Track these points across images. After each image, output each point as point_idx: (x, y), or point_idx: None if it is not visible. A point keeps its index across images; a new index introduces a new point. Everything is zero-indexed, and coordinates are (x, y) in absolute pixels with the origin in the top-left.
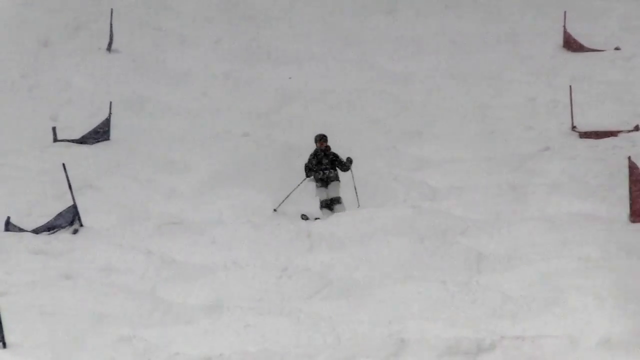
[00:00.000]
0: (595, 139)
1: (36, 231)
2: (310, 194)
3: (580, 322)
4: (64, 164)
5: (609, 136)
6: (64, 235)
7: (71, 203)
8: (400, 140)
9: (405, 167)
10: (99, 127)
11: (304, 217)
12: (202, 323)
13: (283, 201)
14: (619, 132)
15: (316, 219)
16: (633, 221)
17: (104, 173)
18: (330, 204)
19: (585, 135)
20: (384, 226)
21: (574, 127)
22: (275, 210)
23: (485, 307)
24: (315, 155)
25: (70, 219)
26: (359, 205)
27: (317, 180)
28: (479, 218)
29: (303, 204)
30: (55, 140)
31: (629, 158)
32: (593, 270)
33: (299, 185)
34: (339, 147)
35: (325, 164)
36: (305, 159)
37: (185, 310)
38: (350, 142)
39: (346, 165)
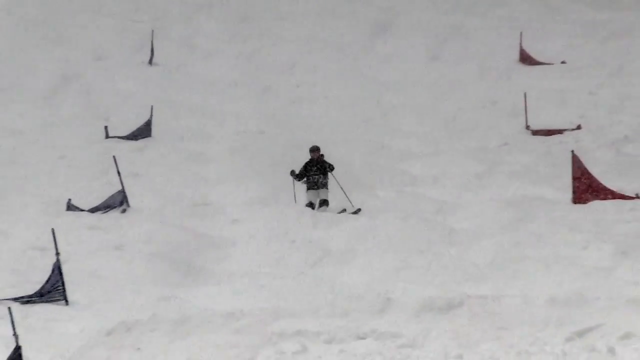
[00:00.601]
0: (545, 136)
1: (92, 211)
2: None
3: (532, 284)
4: (114, 156)
5: (556, 134)
6: (114, 214)
7: (120, 188)
8: (386, 137)
9: (390, 159)
10: (142, 126)
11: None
12: (226, 285)
13: (295, 195)
14: (564, 130)
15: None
16: (575, 202)
17: (146, 164)
18: (313, 206)
19: (537, 133)
20: (374, 207)
21: (527, 127)
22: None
23: (455, 272)
24: (309, 163)
25: (119, 200)
26: (353, 206)
27: (308, 185)
28: (451, 200)
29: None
30: (107, 137)
31: (572, 152)
32: (542, 242)
33: (293, 186)
34: (336, 142)
35: (315, 171)
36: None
37: (212, 274)
38: (345, 138)
39: (331, 167)
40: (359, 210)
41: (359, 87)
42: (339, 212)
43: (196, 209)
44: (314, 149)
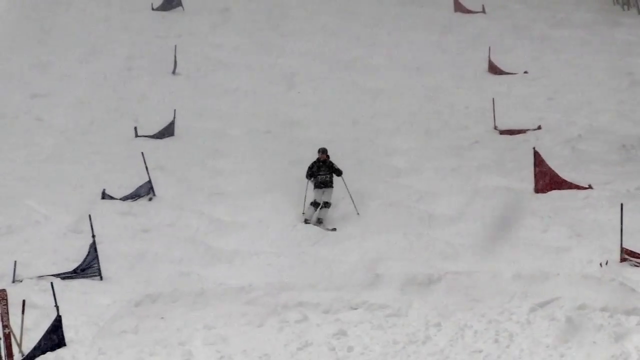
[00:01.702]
0: (510, 135)
1: (123, 199)
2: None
3: (500, 262)
4: (142, 152)
5: (519, 133)
6: (142, 201)
7: (147, 179)
8: (373, 135)
9: (377, 154)
10: (167, 126)
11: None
12: (238, 263)
13: (305, 204)
14: (527, 130)
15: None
16: (536, 192)
17: (170, 158)
18: (318, 205)
19: (503, 132)
20: (364, 195)
21: (495, 127)
22: (303, 213)
23: (434, 251)
24: (316, 163)
25: (147, 190)
26: (358, 213)
27: (316, 183)
28: (430, 190)
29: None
30: (136, 136)
31: (534, 148)
32: (508, 226)
33: (306, 189)
34: (330, 140)
35: (323, 171)
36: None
37: (226, 254)
38: (338, 136)
39: (339, 171)
40: (335, 229)
41: (350, 93)
42: (331, 229)
43: (212, 197)
44: (322, 151)
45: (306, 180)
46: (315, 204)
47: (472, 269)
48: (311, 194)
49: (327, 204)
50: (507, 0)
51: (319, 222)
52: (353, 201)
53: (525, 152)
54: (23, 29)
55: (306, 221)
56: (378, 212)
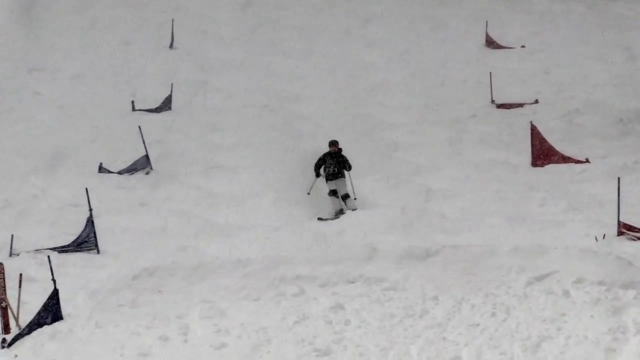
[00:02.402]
0: (507, 109)
1: (120, 173)
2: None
3: (497, 235)
4: (139, 126)
5: (517, 107)
6: (139, 175)
7: (144, 153)
8: (371, 110)
9: (375, 128)
10: (164, 100)
11: (320, 219)
12: (235, 236)
13: (312, 187)
14: (524, 104)
15: (336, 216)
16: (533, 165)
17: (167, 132)
18: (340, 196)
19: (500, 106)
20: (363, 169)
21: (492, 101)
22: (308, 193)
23: (431, 225)
24: (327, 155)
25: (144, 164)
26: (355, 198)
27: (327, 175)
28: (427, 163)
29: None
30: (134, 110)
31: (531, 122)
32: (505, 199)
33: (312, 185)
34: (327, 115)
35: (333, 164)
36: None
37: (224, 228)
38: (336, 111)
39: (349, 166)
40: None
41: (348, 68)
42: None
43: (209, 171)
44: (333, 143)
45: (316, 176)
46: (333, 192)
47: (470, 243)
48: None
49: (347, 196)
50: None
51: (352, 209)
52: (353, 191)
53: (523, 126)
54: (21, 4)
55: (337, 214)
56: (376, 186)
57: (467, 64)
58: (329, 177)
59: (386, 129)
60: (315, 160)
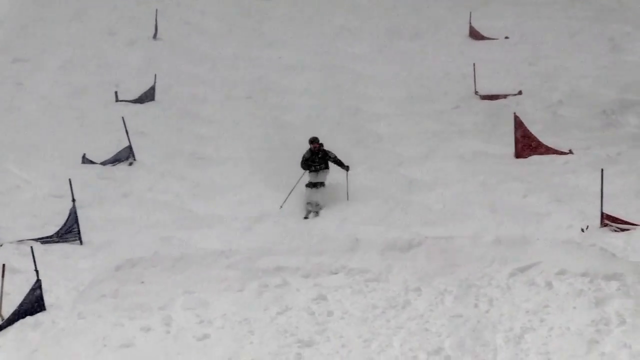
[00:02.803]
0: (491, 100)
1: (103, 163)
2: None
3: (480, 226)
4: (122, 117)
5: (500, 98)
6: (122, 166)
7: (128, 144)
8: (355, 101)
9: (359, 120)
10: (147, 91)
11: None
12: (219, 227)
13: (286, 200)
14: (507, 95)
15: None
16: (517, 157)
17: (151, 123)
18: (313, 185)
19: (484, 97)
20: (346, 160)
21: (476, 92)
22: (281, 207)
23: (414, 216)
24: (310, 152)
25: (127, 155)
26: (348, 199)
27: (310, 172)
28: (411, 155)
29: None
30: (117, 100)
31: (514, 114)
32: (489, 191)
33: (297, 182)
34: (312, 106)
35: (317, 161)
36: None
37: (207, 218)
38: (320, 102)
39: (345, 166)
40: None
41: (332, 59)
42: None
43: (193, 162)
44: (312, 140)
45: (304, 170)
46: (312, 185)
47: (452, 234)
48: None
49: (322, 184)
50: None
51: (318, 207)
52: (348, 192)
53: (506, 117)
54: None
55: (307, 216)
56: (359, 177)
57: (451, 55)
58: (312, 171)
59: (370, 120)
60: (300, 159)
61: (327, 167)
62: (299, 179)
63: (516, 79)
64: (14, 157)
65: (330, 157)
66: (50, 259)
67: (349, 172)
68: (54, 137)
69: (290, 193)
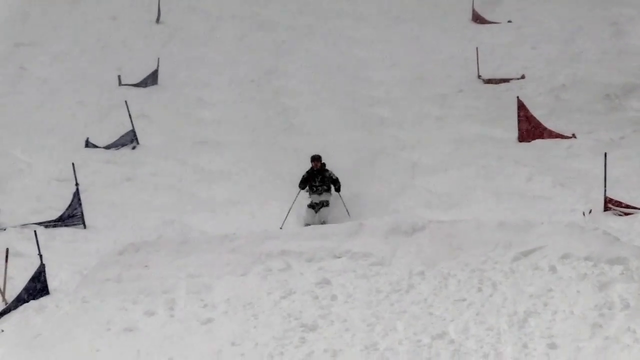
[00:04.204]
0: (494, 84)
1: (107, 147)
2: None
3: (483, 210)
4: (125, 101)
5: (503, 82)
6: (126, 150)
7: (131, 128)
8: (357, 85)
9: (361, 104)
10: (150, 75)
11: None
12: (221, 212)
13: (286, 219)
14: (510, 79)
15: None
16: (520, 141)
17: (153, 107)
18: (316, 206)
19: (487, 81)
20: (348, 143)
21: (479, 76)
22: (280, 228)
23: (418, 200)
24: (310, 173)
25: (130, 139)
26: (349, 215)
27: (311, 192)
28: (414, 139)
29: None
30: (120, 84)
31: (517, 97)
32: (492, 175)
33: (295, 199)
34: (314, 90)
35: (318, 181)
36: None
37: (210, 202)
38: (322, 86)
39: (337, 186)
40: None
41: (334, 44)
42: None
43: (196, 146)
44: (315, 158)
45: (298, 189)
46: (312, 206)
47: (456, 218)
48: (302, 204)
49: (325, 203)
50: None
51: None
52: (346, 207)
53: (509, 101)
54: None
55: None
56: (362, 160)
57: (454, 40)
58: (313, 192)
59: (372, 104)
60: (299, 179)
61: (328, 190)
62: (296, 197)
63: (519, 63)
64: (18, 141)
65: (331, 178)
66: (53, 243)
67: (340, 192)
68: (57, 121)
69: (288, 213)
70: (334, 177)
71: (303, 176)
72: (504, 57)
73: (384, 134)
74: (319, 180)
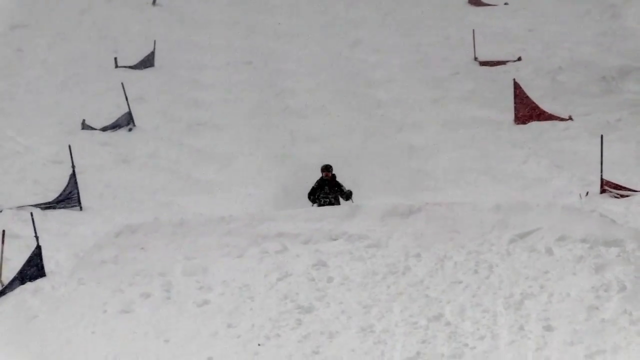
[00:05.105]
0: (491, 66)
1: (103, 129)
2: None
3: (480, 192)
4: (122, 83)
5: (500, 64)
6: (122, 132)
7: (127, 110)
8: (354, 67)
9: (358, 85)
10: (146, 57)
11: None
12: (218, 194)
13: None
14: (507, 61)
15: None
16: (516, 123)
17: (150, 89)
18: None
19: (484, 63)
20: (347, 127)
21: (476, 58)
22: None
23: (414, 182)
24: (320, 183)
25: (127, 121)
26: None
27: (321, 204)
28: (410, 121)
29: None
30: (116, 66)
31: (514, 80)
32: (488, 157)
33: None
34: (310, 72)
35: (328, 193)
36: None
37: (206, 184)
38: (319, 69)
39: (348, 195)
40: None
41: (331, 26)
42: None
43: (192, 128)
44: (326, 168)
45: (309, 202)
46: None
47: (453, 200)
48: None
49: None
50: None
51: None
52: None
53: (506, 84)
54: None
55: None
56: (359, 142)
57: (450, 22)
58: (321, 204)
59: (369, 86)
60: (308, 189)
61: (337, 201)
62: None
63: (516, 45)
64: (14, 123)
65: (342, 190)
66: (50, 225)
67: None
68: (54, 103)
69: None
70: (345, 190)
71: (313, 187)
72: (500, 40)
73: (381, 116)
74: (330, 191)
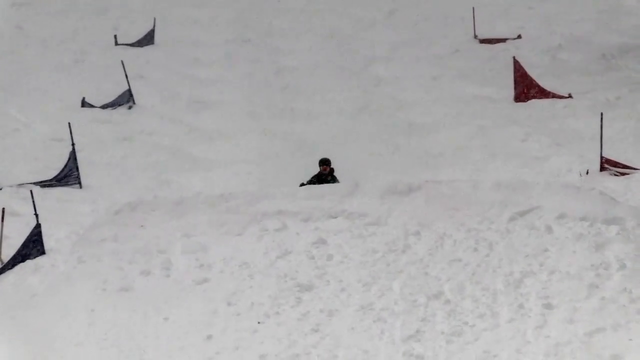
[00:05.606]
0: (490, 44)
1: (103, 107)
2: None
3: (479, 170)
4: (122, 61)
5: (499, 42)
6: (122, 110)
7: (127, 88)
8: (354, 45)
9: (357, 63)
10: (146, 35)
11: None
12: (217, 171)
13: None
14: (506, 39)
15: None
16: (516, 101)
17: (150, 67)
18: None
19: (484, 41)
20: (347, 104)
21: (475, 36)
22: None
23: (414, 160)
24: (317, 177)
25: (126, 98)
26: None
27: None
28: (410, 99)
29: None
30: (116, 44)
31: (514, 57)
32: (488, 134)
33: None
34: (310, 49)
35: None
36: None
37: (206, 162)
38: (318, 46)
39: None
40: None
41: (331, 3)
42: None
43: (192, 106)
44: (324, 162)
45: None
46: None
47: (452, 178)
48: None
49: None
50: None
51: None
52: None
53: (505, 61)
54: None
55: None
56: (358, 120)
57: (450, 0)
58: None
59: (369, 63)
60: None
61: None
62: None
63: (515, 23)
64: (14, 101)
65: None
66: (50, 202)
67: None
68: (54, 81)
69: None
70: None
71: (311, 181)
72: (500, 17)
73: (380, 94)
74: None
